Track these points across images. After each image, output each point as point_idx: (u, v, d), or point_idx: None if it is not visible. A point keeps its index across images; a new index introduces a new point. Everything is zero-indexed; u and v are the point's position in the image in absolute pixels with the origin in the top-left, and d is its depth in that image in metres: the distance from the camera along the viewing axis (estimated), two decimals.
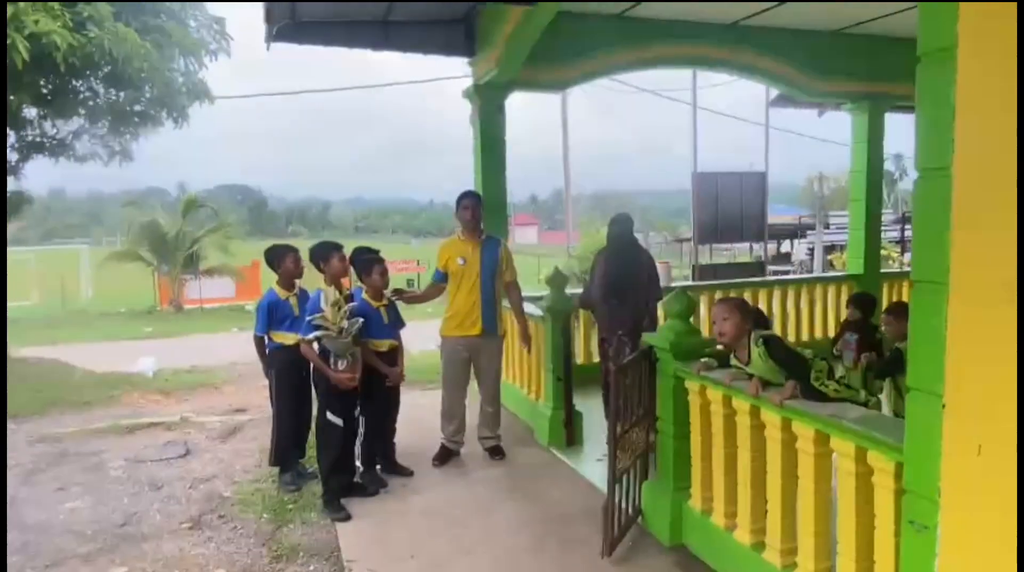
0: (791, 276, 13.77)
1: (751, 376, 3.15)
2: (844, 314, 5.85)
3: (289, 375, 4.53)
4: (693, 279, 11.81)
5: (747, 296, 7.69)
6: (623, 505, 3.78)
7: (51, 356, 9.53)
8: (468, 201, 5.03)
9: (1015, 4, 1.63)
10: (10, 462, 5.06)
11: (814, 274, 15.86)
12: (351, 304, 4.18)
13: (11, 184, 8.65)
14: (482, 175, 6.43)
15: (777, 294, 7.82)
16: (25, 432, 5.90)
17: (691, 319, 3.81)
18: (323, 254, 4.28)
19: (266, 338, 4.59)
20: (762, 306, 7.48)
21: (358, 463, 4.59)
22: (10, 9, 5.69)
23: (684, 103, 16.63)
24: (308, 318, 4.09)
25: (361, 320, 4.17)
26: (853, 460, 2.62)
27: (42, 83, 7.08)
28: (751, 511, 3.26)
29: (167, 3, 8.03)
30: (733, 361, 3.30)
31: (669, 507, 3.74)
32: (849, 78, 7.49)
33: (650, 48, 6.68)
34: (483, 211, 5.15)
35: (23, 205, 9.10)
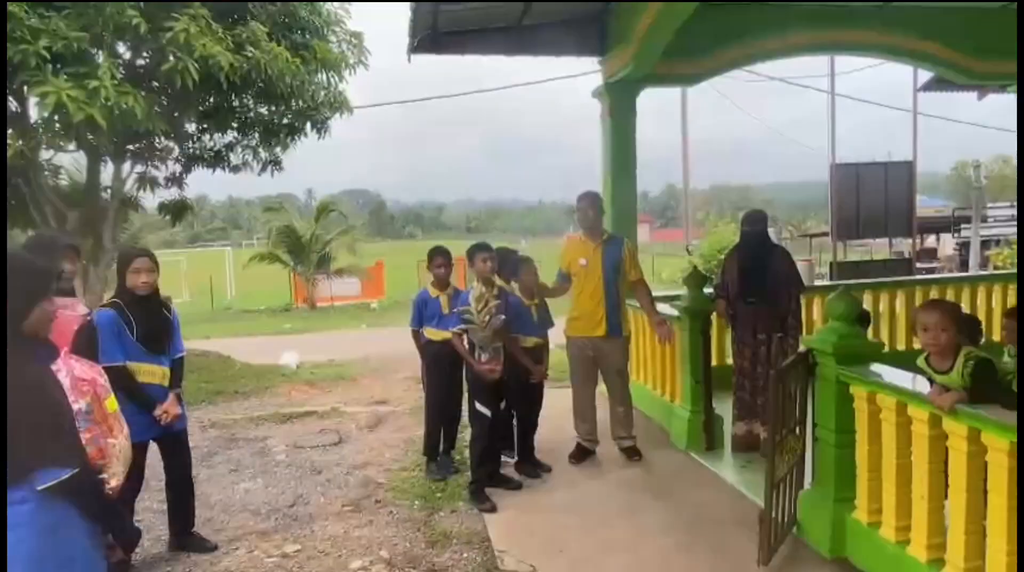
0: (948, 274, 12.71)
1: (944, 387, 2.90)
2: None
3: (437, 368, 4.79)
4: (831, 278, 11.18)
5: (900, 298, 7.20)
6: (778, 514, 3.64)
7: (212, 349, 10.43)
8: (585, 201, 5.04)
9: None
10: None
11: (976, 273, 14.53)
12: (496, 301, 4.33)
13: (174, 193, 9.57)
14: (612, 175, 6.40)
15: (934, 295, 7.23)
16: (196, 418, 6.50)
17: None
18: (471, 255, 4.50)
19: (422, 333, 4.84)
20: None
21: (505, 456, 4.74)
22: (181, 36, 6.27)
23: (815, 90, 15.76)
24: (454, 311, 4.33)
25: (503, 316, 4.32)
26: None
27: (207, 101, 7.75)
28: (928, 526, 3.05)
29: (310, 20, 8.55)
30: (921, 363, 3.07)
31: (830, 518, 3.57)
32: (1015, 57, 6.80)
33: (793, 35, 6.40)
34: (601, 210, 5.12)
35: (185, 212, 9.99)
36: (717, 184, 72.33)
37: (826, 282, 10.00)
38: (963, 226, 21.38)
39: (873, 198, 10.46)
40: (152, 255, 3.67)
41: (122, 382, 3.24)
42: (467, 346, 4.44)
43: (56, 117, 6.15)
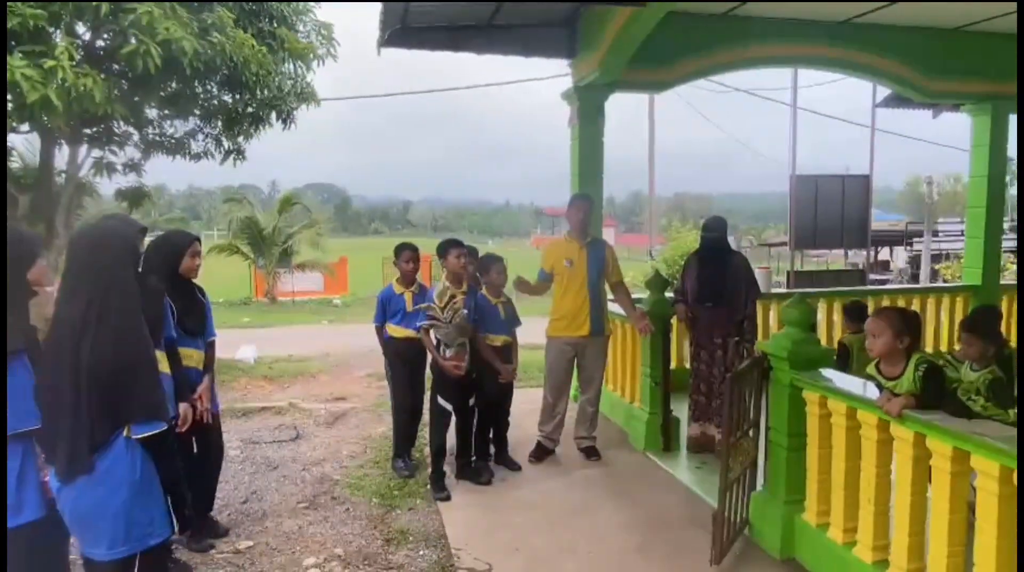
0: (898, 285, 13.12)
1: (894, 393, 2.97)
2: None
3: (399, 365, 4.76)
4: (788, 286, 11.44)
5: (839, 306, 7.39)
6: (731, 515, 3.72)
7: None
8: (581, 203, 5.09)
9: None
10: None
11: (925, 285, 15.02)
12: (462, 298, 4.34)
13: (133, 180, 9.33)
14: (579, 178, 6.44)
15: (886, 305, 7.47)
16: None
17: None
18: (441, 251, 4.48)
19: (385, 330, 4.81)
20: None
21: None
22: (144, 18, 6.11)
23: (778, 103, 16.12)
24: (417, 308, 4.33)
25: (465, 311, 4.32)
26: (997, 481, 2.50)
27: (169, 86, 7.55)
28: (874, 528, 3.14)
29: (278, 7, 8.42)
30: (871, 370, 3.15)
31: (780, 519, 3.66)
32: (970, 78, 7.08)
33: (756, 47, 6.53)
34: (592, 213, 5.20)
35: (143, 199, 9.74)
36: (680, 192, 73.46)
37: (783, 290, 10.23)
38: (915, 240, 22.11)
39: (830, 210, 10.72)
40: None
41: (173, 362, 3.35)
42: (434, 342, 4.43)
43: (9, 97, 5.93)
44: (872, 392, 3.12)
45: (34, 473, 2.54)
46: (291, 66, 8.78)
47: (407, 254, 4.75)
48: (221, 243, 21.72)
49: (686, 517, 4.11)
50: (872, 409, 3.05)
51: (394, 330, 4.71)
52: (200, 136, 9.36)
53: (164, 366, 3.37)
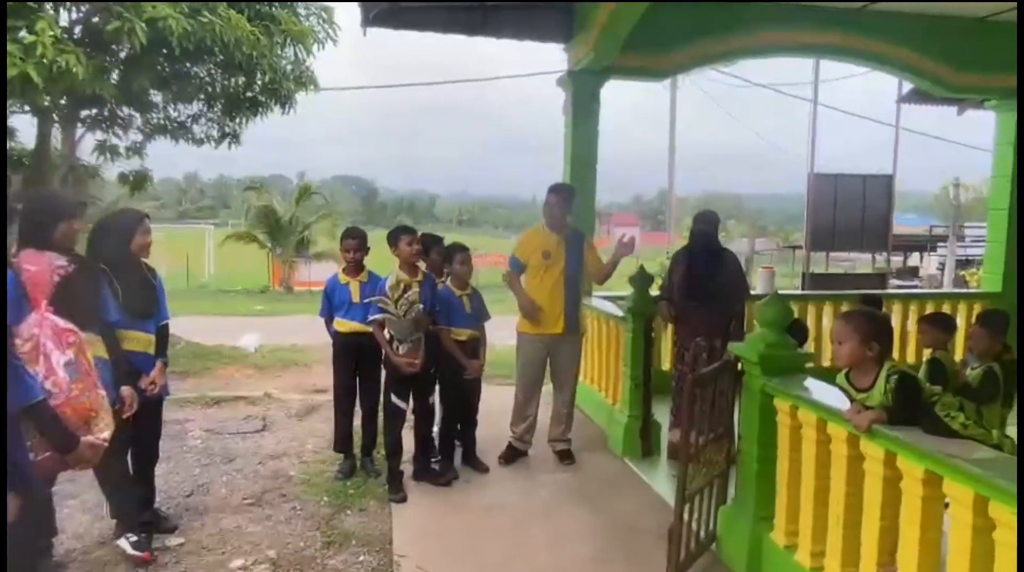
0: (912, 290, 12.57)
1: (866, 406, 2.65)
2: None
3: (342, 361, 4.50)
4: (802, 288, 10.99)
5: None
6: (695, 528, 3.43)
7: None
8: (558, 193, 4.80)
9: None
10: None
11: (941, 290, 14.41)
12: (417, 289, 4.09)
13: (135, 164, 9.27)
14: (571, 167, 6.17)
15: (897, 309, 7.06)
16: None
17: (788, 330, 3.39)
18: (393, 238, 4.22)
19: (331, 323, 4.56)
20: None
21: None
22: None
23: (805, 99, 15.57)
24: (368, 300, 4.08)
25: (420, 305, 4.06)
26: (971, 510, 2.19)
27: (162, 67, 7.44)
28: (842, 554, 2.84)
29: None
30: (841, 380, 2.82)
31: (748, 537, 3.36)
32: (995, 71, 6.61)
33: (764, 34, 6.18)
34: (571, 205, 4.91)
35: (145, 183, 9.68)
36: (709, 191, 72.33)
37: (788, 291, 9.81)
38: (939, 245, 21.30)
39: (850, 211, 10.25)
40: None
41: (110, 345, 3.19)
42: (387, 336, 4.19)
43: None
44: (847, 403, 2.81)
45: None
46: (291, 50, 8.62)
47: (349, 242, 4.42)
48: (239, 231, 21.85)
49: (654, 527, 3.82)
50: (841, 422, 2.75)
51: (339, 323, 4.42)
52: (203, 120, 9.25)
53: (100, 350, 3.21)
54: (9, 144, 8.24)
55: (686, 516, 3.31)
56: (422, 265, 4.30)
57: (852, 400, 2.73)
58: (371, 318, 4.15)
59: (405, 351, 4.09)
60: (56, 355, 2.28)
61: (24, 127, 8.52)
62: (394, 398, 4.17)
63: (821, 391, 3.05)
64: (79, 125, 8.02)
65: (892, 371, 2.60)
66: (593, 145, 6.22)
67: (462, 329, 4.46)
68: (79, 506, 3.75)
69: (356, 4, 5.49)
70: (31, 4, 5.97)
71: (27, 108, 7.33)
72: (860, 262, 23.02)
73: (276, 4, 8.22)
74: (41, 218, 3.00)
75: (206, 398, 6.11)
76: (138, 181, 9.52)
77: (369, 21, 5.74)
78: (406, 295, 3.97)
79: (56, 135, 8.00)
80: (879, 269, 19.25)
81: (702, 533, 3.51)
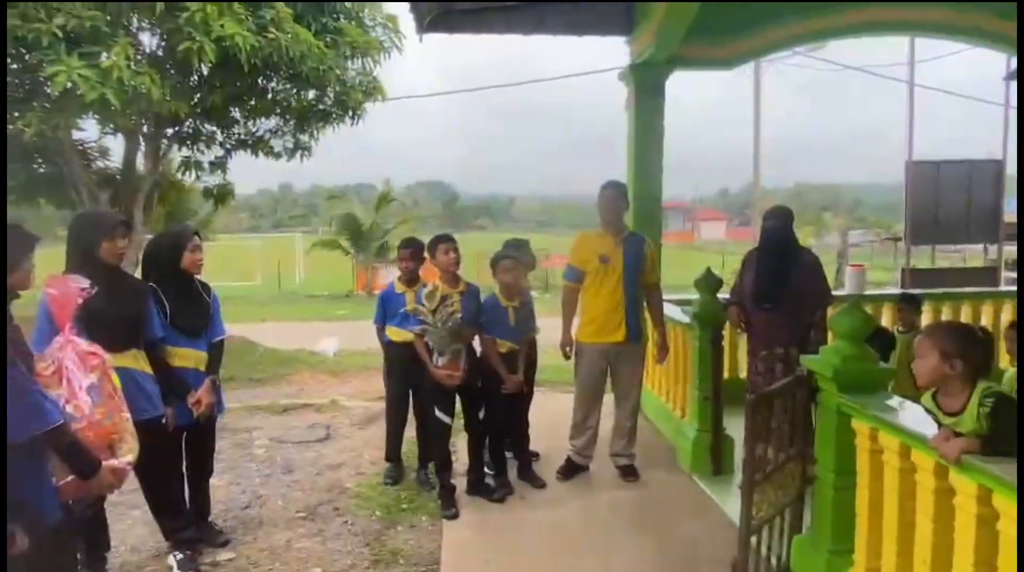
0: (990, 290, 11.37)
1: (956, 433, 2.29)
2: None
3: (395, 371, 4.47)
4: (902, 286, 10.15)
5: (965, 312, 6.33)
6: (767, 557, 3.12)
7: (248, 334, 10.52)
8: (609, 192, 4.55)
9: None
10: None
11: None
12: (457, 298, 3.97)
13: (218, 178, 9.63)
14: (635, 165, 5.87)
15: (1007, 310, 6.33)
16: None
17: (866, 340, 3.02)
18: (431, 247, 4.13)
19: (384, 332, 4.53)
20: (985, 324, 6.06)
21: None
22: (197, 15, 6.17)
23: (901, 81, 14.46)
24: (406, 309, 4.01)
25: (460, 315, 3.92)
26: None
27: (232, 84, 7.67)
28: None
29: (345, 3, 8.37)
30: (927, 402, 2.45)
31: (824, 571, 3.02)
32: None
33: (846, 13, 5.67)
34: (626, 203, 4.65)
35: (228, 197, 10.06)
36: (801, 182, 68.96)
37: (877, 292, 9.06)
38: None
39: (954, 200, 9.40)
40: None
41: (155, 361, 3.25)
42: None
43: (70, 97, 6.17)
44: (935, 428, 2.45)
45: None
46: (360, 62, 8.73)
47: (405, 251, 4.41)
48: (324, 238, 22.59)
49: (721, 555, 3.52)
50: (928, 450, 2.39)
51: (392, 332, 4.39)
52: (281, 134, 9.52)
53: (145, 365, 3.25)
54: (100, 163, 8.76)
55: (754, 544, 3.01)
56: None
57: (940, 425, 2.37)
58: (414, 330, 4.06)
59: (444, 363, 3.97)
60: (79, 378, 2.27)
61: (115, 148, 9.04)
62: (438, 412, 4.05)
63: (908, 412, 2.68)
64: (163, 142, 8.40)
65: (987, 393, 2.23)
66: (657, 141, 5.89)
67: (502, 341, 4.28)
68: (141, 517, 3.82)
69: (409, 10, 5.40)
70: (104, 29, 6.22)
71: (111, 127, 7.73)
72: (971, 255, 21.15)
73: (343, 16, 8.36)
74: (86, 237, 3.06)
75: (276, 406, 6.23)
76: (221, 195, 9.90)
77: (424, 27, 5.66)
78: (445, 305, 3.83)
79: (142, 153, 8.41)
80: (991, 262, 17.64)
81: (773, 561, 3.19)
